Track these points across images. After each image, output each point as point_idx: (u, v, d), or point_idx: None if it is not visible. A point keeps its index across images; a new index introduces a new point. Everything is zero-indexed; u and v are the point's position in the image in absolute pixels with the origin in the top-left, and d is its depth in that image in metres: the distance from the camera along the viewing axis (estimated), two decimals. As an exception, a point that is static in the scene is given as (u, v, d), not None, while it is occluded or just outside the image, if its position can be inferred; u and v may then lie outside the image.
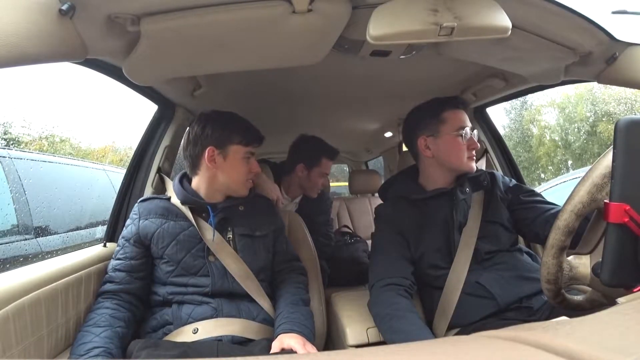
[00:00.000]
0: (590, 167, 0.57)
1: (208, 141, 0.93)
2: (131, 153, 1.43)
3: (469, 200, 0.99)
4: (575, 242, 0.60)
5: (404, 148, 2.36)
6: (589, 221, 0.59)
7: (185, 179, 1.01)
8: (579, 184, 0.57)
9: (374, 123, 2.06)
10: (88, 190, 2.83)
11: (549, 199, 1.00)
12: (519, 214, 0.99)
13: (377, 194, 2.49)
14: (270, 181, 1.31)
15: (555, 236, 0.58)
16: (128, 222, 0.96)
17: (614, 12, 0.76)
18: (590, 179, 0.55)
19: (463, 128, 0.96)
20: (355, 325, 0.93)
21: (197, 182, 0.98)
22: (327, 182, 1.53)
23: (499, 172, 1.10)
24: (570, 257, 0.60)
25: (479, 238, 0.94)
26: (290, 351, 0.77)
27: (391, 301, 0.87)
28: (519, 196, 1.00)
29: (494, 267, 0.93)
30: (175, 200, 0.96)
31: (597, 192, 0.54)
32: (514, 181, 1.07)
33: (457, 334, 0.90)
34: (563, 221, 0.58)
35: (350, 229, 2.04)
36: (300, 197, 1.57)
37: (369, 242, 1.97)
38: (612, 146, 0.51)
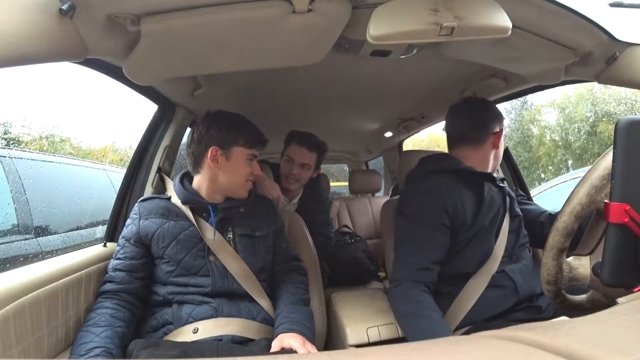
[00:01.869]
0: (589, 168, 0.57)
1: (212, 141, 0.93)
2: (131, 153, 1.43)
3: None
4: (574, 243, 0.60)
5: (404, 148, 2.37)
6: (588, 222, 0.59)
7: (185, 179, 1.01)
8: (577, 185, 0.57)
9: (374, 123, 2.06)
10: (88, 190, 2.82)
11: (549, 198, 1.03)
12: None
13: (377, 194, 2.50)
14: (270, 180, 1.31)
15: (555, 238, 0.58)
16: (128, 221, 0.96)
17: (611, 5, 0.76)
18: (589, 181, 0.55)
19: None
20: (355, 325, 0.93)
21: (199, 182, 0.98)
22: (304, 174, 1.46)
23: None
24: (570, 259, 0.61)
25: (509, 231, 0.97)
26: (290, 351, 0.77)
27: (416, 299, 0.85)
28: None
29: (520, 260, 0.96)
30: (175, 200, 0.96)
31: (596, 194, 0.55)
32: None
33: (467, 331, 0.90)
34: (562, 223, 0.58)
35: (350, 229, 2.04)
36: (299, 197, 1.57)
37: (369, 242, 1.97)
38: (610, 148, 0.51)
